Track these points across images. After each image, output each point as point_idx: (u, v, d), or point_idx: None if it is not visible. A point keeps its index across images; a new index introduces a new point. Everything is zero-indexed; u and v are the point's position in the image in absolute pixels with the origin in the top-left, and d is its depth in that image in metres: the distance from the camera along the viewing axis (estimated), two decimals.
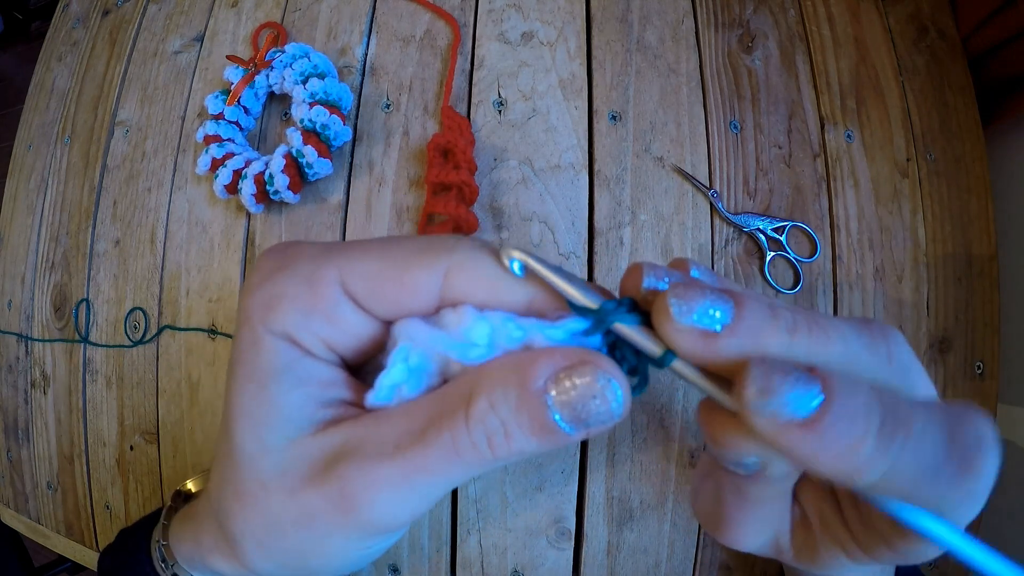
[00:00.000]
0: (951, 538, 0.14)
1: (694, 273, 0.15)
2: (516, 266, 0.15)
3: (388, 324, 0.16)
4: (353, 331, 0.16)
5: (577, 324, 0.15)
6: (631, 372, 0.15)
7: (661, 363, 0.14)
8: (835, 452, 0.12)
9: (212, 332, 0.40)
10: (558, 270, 0.15)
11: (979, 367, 0.40)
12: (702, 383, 0.13)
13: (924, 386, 0.15)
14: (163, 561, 0.23)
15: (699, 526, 0.36)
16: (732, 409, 0.13)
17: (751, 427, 0.12)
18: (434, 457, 0.14)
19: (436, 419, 0.14)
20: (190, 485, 0.27)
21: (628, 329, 0.14)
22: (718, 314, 0.13)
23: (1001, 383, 0.41)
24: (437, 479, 0.15)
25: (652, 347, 0.14)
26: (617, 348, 0.15)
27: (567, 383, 0.13)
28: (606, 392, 0.13)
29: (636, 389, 0.15)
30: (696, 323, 0.13)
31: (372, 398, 0.16)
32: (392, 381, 0.16)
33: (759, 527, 0.19)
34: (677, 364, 0.13)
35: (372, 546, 0.16)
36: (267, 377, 0.15)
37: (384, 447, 0.15)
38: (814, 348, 0.13)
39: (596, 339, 0.15)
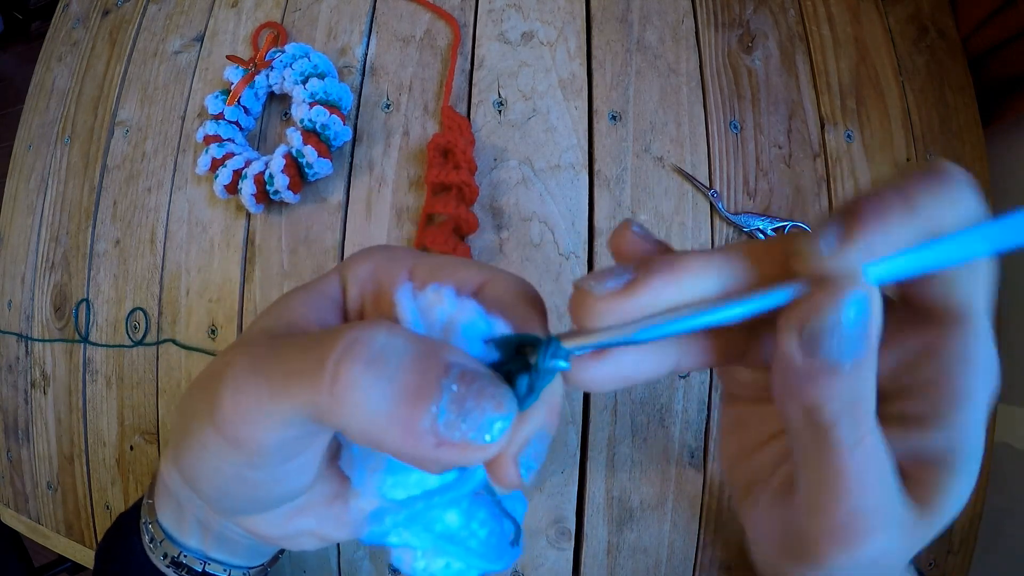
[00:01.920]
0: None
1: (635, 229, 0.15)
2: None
3: None
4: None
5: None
6: (530, 389, 0.14)
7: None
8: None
9: (213, 353, 0.40)
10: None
11: None
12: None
13: None
14: (151, 540, 0.23)
15: (699, 525, 0.36)
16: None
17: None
18: (285, 376, 0.14)
19: (311, 344, 0.14)
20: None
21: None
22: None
23: (1001, 383, 0.41)
24: (295, 411, 0.14)
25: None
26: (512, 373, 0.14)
27: (461, 389, 0.13)
28: (488, 420, 0.13)
29: (525, 401, 0.14)
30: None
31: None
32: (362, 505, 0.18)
33: (886, 487, 0.15)
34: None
35: (245, 469, 0.15)
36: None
37: (251, 360, 0.14)
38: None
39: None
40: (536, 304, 0.16)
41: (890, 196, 0.12)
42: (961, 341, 0.14)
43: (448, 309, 0.15)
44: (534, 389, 0.13)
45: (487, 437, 0.12)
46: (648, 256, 0.14)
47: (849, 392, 0.13)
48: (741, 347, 0.16)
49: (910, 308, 0.15)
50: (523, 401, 0.13)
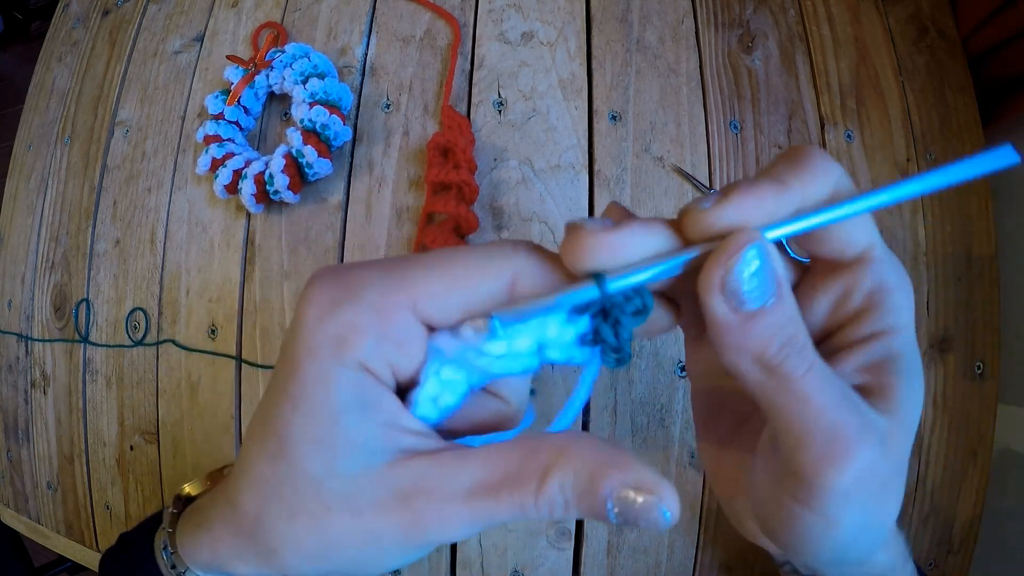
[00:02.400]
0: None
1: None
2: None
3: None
4: (419, 352, 0.17)
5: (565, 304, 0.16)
6: (614, 351, 0.17)
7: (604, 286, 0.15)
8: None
9: (213, 353, 0.40)
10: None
11: (979, 367, 0.40)
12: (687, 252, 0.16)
13: None
14: (172, 567, 0.23)
15: (699, 525, 0.36)
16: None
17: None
18: (502, 511, 0.16)
19: (510, 482, 0.16)
20: (188, 490, 0.27)
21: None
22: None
23: (1001, 383, 0.41)
24: (499, 521, 0.16)
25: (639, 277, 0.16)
26: (600, 332, 0.16)
27: (628, 496, 0.15)
28: (658, 513, 0.15)
29: (619, 363, 0.17)
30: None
31: (413, 412, 0.17)
32: (428, 395, 0.17)
33: (848, 402, 0.17)
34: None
35: (422, 554, 0.18)
36: (339, 411, 0.16)
37: (458, 493, 0.16)
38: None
39: (585, 319, 0.17)
40: (558, 261, 0.17)
41: (762, 178, 0.16)
42: (872, 271, 0.18)
43: (504, 340, 0.16)
44: (625, 332, 0.16)
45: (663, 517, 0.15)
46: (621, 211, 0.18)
47: (783, 327, 0.15)
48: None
49: (827, 263, 0.18)
50: (624, 343, 0.16)
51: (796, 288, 0.19)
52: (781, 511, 0.18)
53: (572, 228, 0.15)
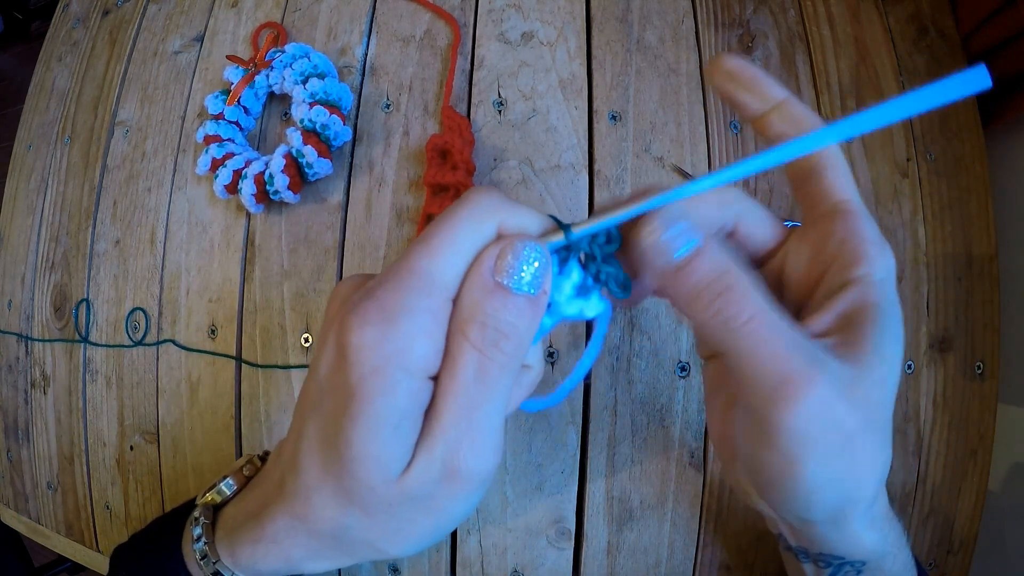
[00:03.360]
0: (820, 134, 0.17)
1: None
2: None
3: None
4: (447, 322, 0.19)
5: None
6: (617, 281, 0.19)
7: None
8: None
9: (213, 353, 0.40)
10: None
11: (979, 367, 0.40)
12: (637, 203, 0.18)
13: None
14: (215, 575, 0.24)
15: (699, 525, 0.36)
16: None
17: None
18: (480, 394, 0.17)
19: (459, 372, 0.17)
20: (211, 498, 0.27)
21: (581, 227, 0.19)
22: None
23: (1001, 383, 0.41)
24: (492, 406, 0.18)
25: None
26: (597, 270, 0.19)
27: (506, 262, 0.17)
28: (530, 252, 0.18)
29: (624, 289, 0.19)
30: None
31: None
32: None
33: (799, 345, 0.18)
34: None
35: (483, 491, 0.20)
36: (400, 420, 0.17)
37: (447, 420, 0.18)
38: None
39: (574, 271, 0.19)
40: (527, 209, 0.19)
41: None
42: (846, 220, 0.19)
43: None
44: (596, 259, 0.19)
45: (538, 265, 0.18)
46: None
47: (713, 278, 0.17)
48: None
49: (809, 218, 0.20)
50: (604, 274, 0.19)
51: (781, 246, 0.21)
52: (754, 460, 0.19)
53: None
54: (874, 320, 0.18)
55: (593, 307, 0.19)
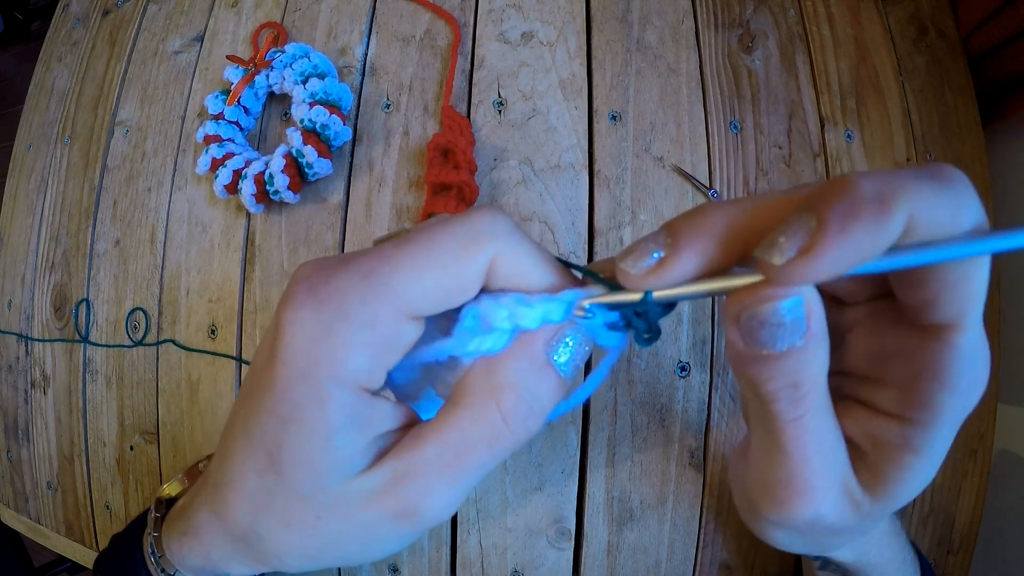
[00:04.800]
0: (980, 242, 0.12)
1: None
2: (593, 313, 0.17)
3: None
4: (409, 344, 0.17)
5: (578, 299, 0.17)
6: (646, 332, 0.17)
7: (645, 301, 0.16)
8: (858, 221, 0.12)
9: (213, 353, 0.40)
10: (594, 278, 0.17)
11: None
12: (707, 285, 0.15)
13: None
14: (162, 571, 0.24)
15: (699, 525, 0.36)
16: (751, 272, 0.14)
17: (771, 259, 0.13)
18: (479, 458, 0.16)
19: (475, 427, 0.16)
20: (168, 491, 0.27)
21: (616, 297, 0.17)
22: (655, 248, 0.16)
23: (1001, 383, 0.41)
24: (482, 472, 0.17)
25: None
26: (633, 322, 0.17)
27: (558, 342, 0.17)
28: (575, 340, 0.17)
29: (650, 341, 0.17)
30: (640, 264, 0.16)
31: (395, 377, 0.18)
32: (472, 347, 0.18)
33: (823, 460, 0.16)
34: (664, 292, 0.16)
35: (420, 535, 0.19)
36: (333, 431, 0.16)
37: (434, 466, 0.16)
38: None
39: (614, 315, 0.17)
40: (548, 255, 0.18)
41: (862, 195, 0.12)
42: (942, 357, 0.14)
43: (528, 314, 0.17)
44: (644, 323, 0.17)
45: (578, 351, 0.17)
46: (673, 225, 0.15)
47: (786, 375, 0.14)
48: None
49: (899, 306, 0.15)
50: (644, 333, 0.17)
51: (863, 303, 0.17)
52: (743, 502, 0.19)
53: (620, 271, 0.16)
54: (914, 469, 0.16)
55: (609, 339, 0.18)
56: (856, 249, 0.12)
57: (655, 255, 0.15)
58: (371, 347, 0.15)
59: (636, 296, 0.16)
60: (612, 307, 0.17)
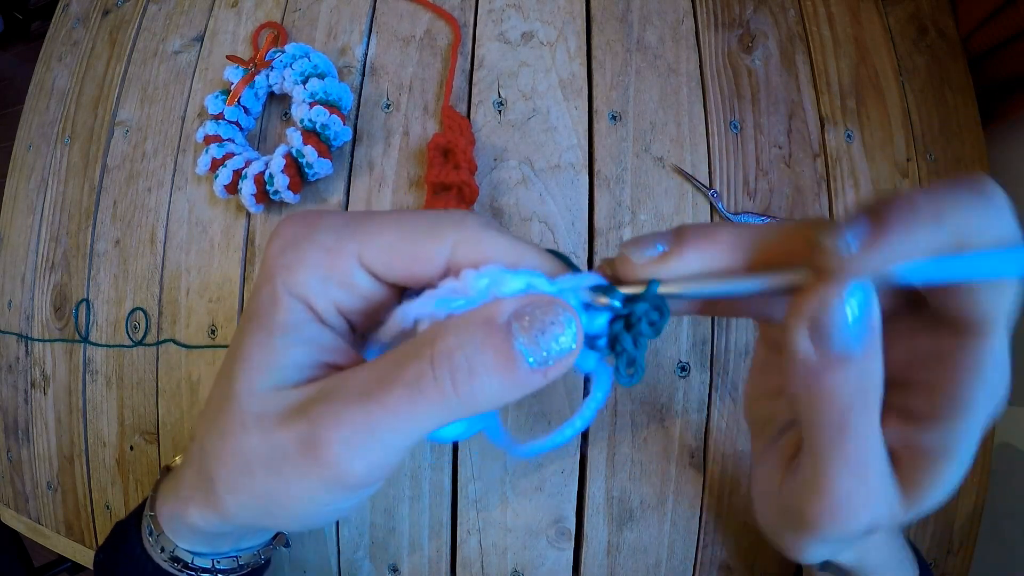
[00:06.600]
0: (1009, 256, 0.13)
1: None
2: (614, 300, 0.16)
3: (397, 289, 0.18)
4: (365, 295, 0.18)
5: (577, 282, 0.16)
6: (630, 363, 0.16)
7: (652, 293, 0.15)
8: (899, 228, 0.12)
9: (214, 346, 0.40)
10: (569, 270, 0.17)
11: None
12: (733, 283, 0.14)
13: None
14: (150, 534, 0.24)
15: (699, 525, 0.36)
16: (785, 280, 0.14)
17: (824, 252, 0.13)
18: (397, 396, 0.15)
19: (402, 361, 0.15)
20: (178, 459, 0.27)
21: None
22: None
23: None
24: (401, 423, 0.15)
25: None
26: (617, 341, 0.16)
27: (528, 316, 0.15)
28: (564, 322, 0.15)
29: (631, 379, 0.16)
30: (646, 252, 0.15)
31: (366, 355, 0.18)
32: (386, 339, 0.18)
33: (882, 466, 0.15)
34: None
35: (337, 501, 0.17)
36: (277, 330, 0.17)
37: (351, 392, 0.16)
38: None
39: (602, 318, 0.16)
40: (499, 238, 0.17)
41: (921, 204, 0.12)
42: (974, 354, 0.15)
43: (511, 282, 0.16)
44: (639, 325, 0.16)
45: (565, 346, 0.15)
46: (682, 228, 0.15)
47: (861, 379, 0.14)
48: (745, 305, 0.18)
49: (928, 309, 0.15)
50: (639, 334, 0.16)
51: (888, 316, 0.17)
52: (771, 512, 0.19)
53: (622, 257, 0.15)
54: (946, 470, 0.16)
55: (589, 365, 0.16)
56: (915, 244, 0.12)
57: (659, 247, 0.15)
58: (324, 270, 0.17)
59: (638, 289, 0.15)
60: (604, 301, 0.16)
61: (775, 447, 0.20)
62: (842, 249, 0.12)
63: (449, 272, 0.17)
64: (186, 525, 0.22)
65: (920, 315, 0.16)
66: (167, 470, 0.27)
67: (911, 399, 0.16)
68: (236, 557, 0.25)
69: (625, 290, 0.15)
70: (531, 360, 0.14)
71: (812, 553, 0.18)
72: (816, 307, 0.13)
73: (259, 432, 0.16)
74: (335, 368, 0.17)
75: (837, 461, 0.15)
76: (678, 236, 0.15)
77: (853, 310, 0.13)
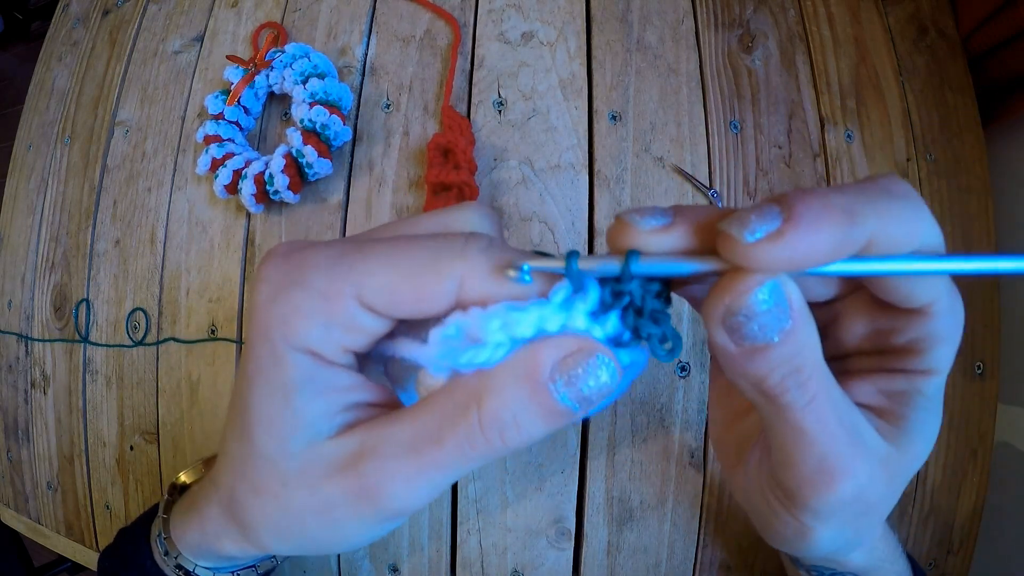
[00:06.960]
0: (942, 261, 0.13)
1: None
2: (525, 276, 0.15)
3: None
4: (370, 332, 0.17)
5: (585, 298, 0.15)
6: (661, 340, 0.16)
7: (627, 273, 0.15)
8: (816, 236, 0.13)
9: (214, 339, 0.40)
10: (548, 256, 0.16)
11: (979, 367, 0.40)
12: (688, 263, 0.14)
13: None
14: (165, 554, 0.23)
15: (699, 525, 0.36)
16: (721, 262, 0.14)
17: (743, 255, 0.13)
18: (448, 452, 0.15)
19: (449, 420, 0.15)
20: (183, 478, 0.28)
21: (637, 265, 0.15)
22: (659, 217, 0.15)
23: (1001, 383, 0.41)
24: (452, 471, 0.16)
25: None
26: (638, 327, 0.16)
27: (570, 370, 0.15)
28: (601, 365, 0.15)
29: (671, 353, 0.16)
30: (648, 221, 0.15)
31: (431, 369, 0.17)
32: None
33: (848, 433, 0.16)
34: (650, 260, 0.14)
35: (383, 527, 0.18)
36: (291, 390, 0.16)
37: (400, 447, 0.16)
38: None
39: (612, 321, 0.16)
40: (505, 263, 0.16)
41: (835, 200, 0.13)
42: (930, 324, 0.16)
43: (522, 324, 0.15)
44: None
45: (603, 384, 0.15)
46: (679, 206, 0.15)
47: (786, 361, 0.14)
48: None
49: (876, 292, 0.16)
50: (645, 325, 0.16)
51: (841, 298, 0.18)
52: (765, 505, 0.19)
53: (623, 223, 0.15)
54: (923, 407, 0.17)
55: (626, 360, 0.17)
56: (823, 246, 0.12)
57: (661, 219, 0.15)
58: (324, 317, 0.16)
59: (618, 260, 0.15)
60: (599, 279, 0.15)
61: (754, 450, 0.20)
62: (746, 238, 0.13)
63: (457, 306, 0.16)
64: (217, 554, 0.22)
65: (867, 295, 0.17)
66: (173, 488, 0.27)
67: (885, 360, 0.17)
68: (255, 567, 0.26)
69: (607, 261, 0.15)
70: (575, 408, 0.15)
71: (817, 537, 0.18)
72: (727, 300, 0.14)
73: (305, 488, 0.17)
74: (361, 407, 0.17)
75: (792, 434, 0.15)
76: (677, 210, 0.15)
77: (766, 300, 0.13)
